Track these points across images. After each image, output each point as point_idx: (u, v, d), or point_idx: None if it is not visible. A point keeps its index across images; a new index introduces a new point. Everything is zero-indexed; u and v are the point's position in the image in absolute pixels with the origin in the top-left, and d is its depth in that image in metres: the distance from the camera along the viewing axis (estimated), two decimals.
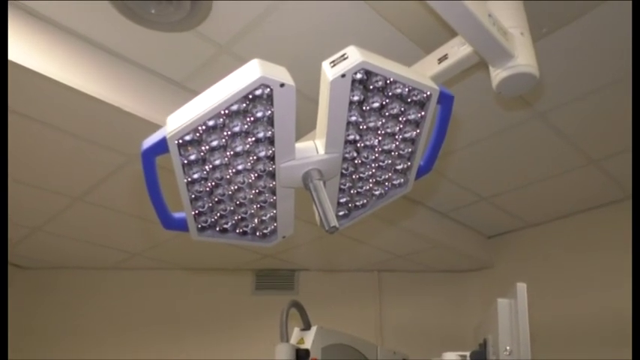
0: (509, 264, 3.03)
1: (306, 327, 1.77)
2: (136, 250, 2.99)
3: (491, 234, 3.14)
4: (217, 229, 0.99)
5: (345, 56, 0.84)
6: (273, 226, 1.04)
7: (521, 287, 1.34)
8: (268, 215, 1.02)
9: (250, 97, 0.82)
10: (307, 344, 1.69)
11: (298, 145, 0.93)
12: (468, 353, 1.52)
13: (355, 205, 1.09)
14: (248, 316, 3.15)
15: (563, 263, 2.79)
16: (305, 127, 1.24)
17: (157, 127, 0.86)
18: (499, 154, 2.32)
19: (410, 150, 1.00)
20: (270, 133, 0.87)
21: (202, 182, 0.90)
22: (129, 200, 2.40)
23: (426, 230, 2.74)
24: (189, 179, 0.89)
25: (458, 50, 1.32)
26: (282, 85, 0.80)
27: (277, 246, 3.14)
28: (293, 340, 1.72)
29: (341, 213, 1.09)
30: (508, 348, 1.34)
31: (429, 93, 0.92)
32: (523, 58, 1.22)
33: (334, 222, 0.85)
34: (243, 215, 0.99)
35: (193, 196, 0.90)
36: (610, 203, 2.69)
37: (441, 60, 1.29)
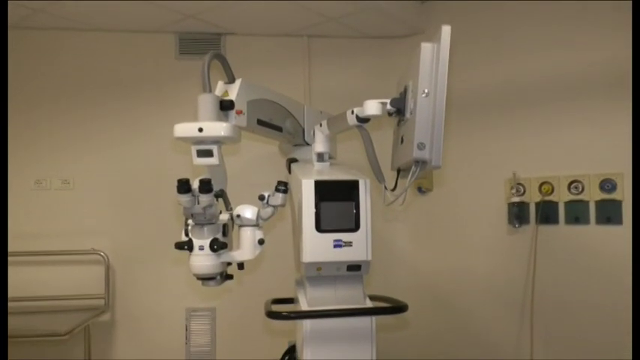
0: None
1: (230, 80, 1.73)
2: (36, 5, 2.66)
3: None
4: None
5: None
6: None
7: (446, 29, 1.32)
8: None
9: None
10: (232, 96, 1.67)
11: None
12: (388, 100, 1.56)
13: None
14: (172, 81, 3.07)
15: (496, 29, 2.80)
16: None
17: None
18: None
19: None
20: None
21: None
22: None
23: None
24: None
25: None
26: None
27: (201, 4, 2.89)
28: (217, 93, 1.69)
29: None
30: (426, 90, 1.38)
31: None
32: None
33: None
34: None
35: None
36: None
37: None
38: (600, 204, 2.40)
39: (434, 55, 1.37)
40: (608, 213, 2.38)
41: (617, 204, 2.35)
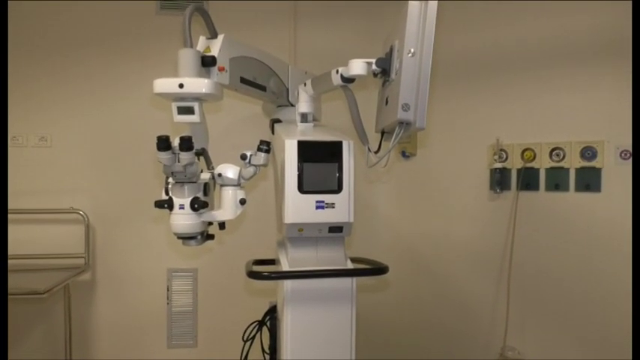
0: None
1: (212, 35, 1.68)
2: None
3: None
4: None
5: None
6: None
7: None
8: None
9: None
10: (214, 52, 1.62)
11: None
12: (373, 60, 1.53)
13: None
14: (153, 38, 2.97)
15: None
16: None
17: None
18: None
19: None
20: None
21: None
22: None
23: None
24: None
25: None
26: None
27: None
28: (199, 48, 1.64)
29: None
30: (412, 50, 1.35)
31: None
32: None
33: None
34: None
35: None
36: None
37: None
38: (580, 171, 2.43)
39: (421, 14, 1.34)
40: (588, 180, 2.41)
41: (596, 171, 2.38)
